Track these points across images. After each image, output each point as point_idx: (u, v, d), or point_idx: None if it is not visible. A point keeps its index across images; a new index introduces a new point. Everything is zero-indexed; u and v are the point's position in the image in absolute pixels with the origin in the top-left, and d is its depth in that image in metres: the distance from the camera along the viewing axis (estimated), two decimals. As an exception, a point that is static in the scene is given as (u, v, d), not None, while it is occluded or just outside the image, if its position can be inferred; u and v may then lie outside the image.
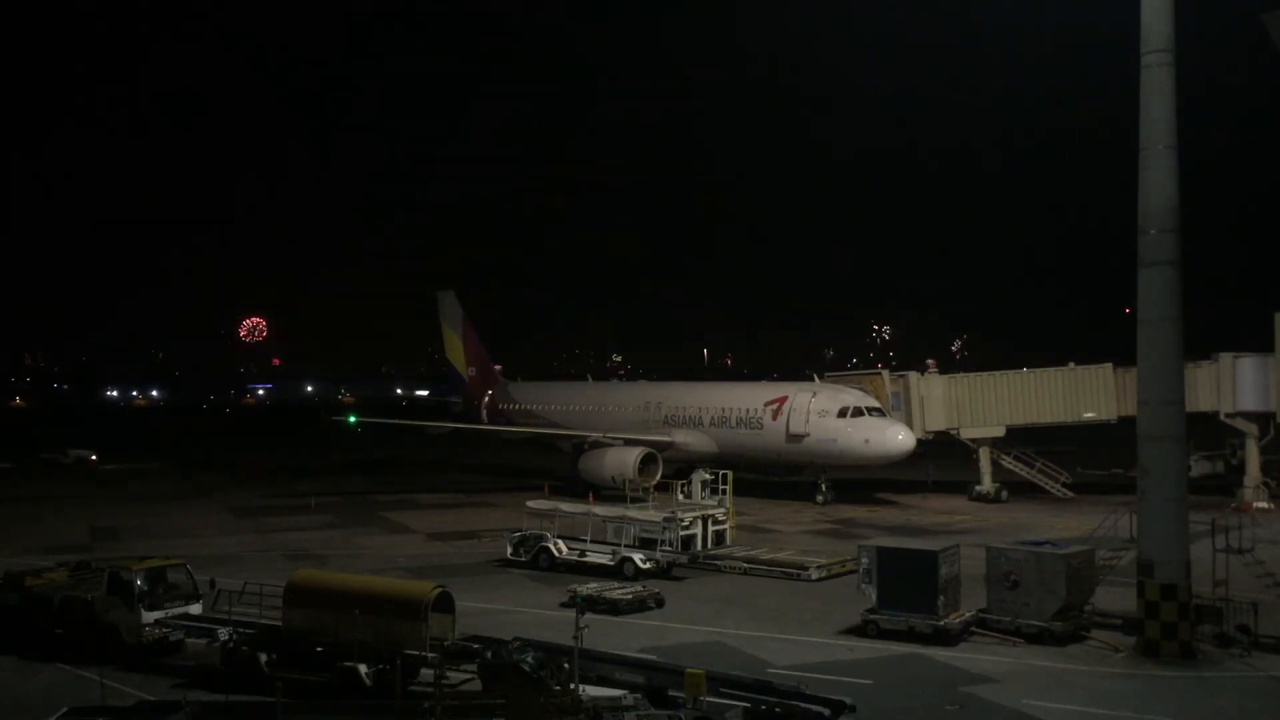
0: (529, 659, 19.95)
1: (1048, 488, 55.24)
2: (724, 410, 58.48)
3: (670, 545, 37.03)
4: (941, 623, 27.70)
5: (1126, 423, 47.69)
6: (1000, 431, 55.70)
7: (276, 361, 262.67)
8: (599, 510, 39.43)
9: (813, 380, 59.33)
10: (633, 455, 55.96)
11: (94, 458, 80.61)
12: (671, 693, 21.22)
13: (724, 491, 43.17)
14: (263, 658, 24.47)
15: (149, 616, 26.58)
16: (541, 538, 38.47)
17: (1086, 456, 63.22)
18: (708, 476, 44.42)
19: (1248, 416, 52.03)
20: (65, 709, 21.62)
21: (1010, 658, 26.59)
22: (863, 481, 58.78)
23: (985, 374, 57.00)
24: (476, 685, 21.75)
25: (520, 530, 39.55)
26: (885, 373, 58.23)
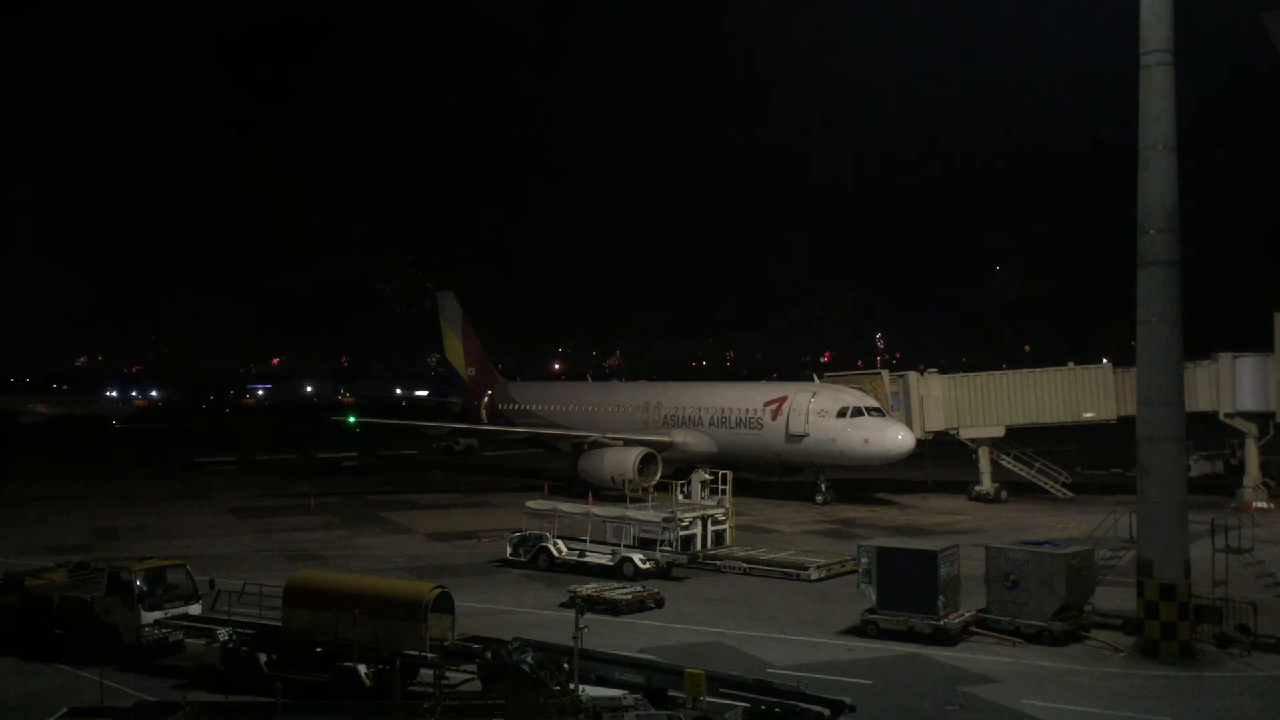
0: (529, 659, 19.93)
1: (1048, 488, 55.22)
2: (724, 410, 58.46)
3: (670, 545, 37.01)
4: (941, 623, 27.73)
5: (1126, 423, 47.68)
6: (1000, 431, 55.66)
7: (276, 361, 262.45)
8: (598, 510, 39.39)
9: (812, 380, 59.34)
10: (632, 455, 55.92)
11: (475, 444, 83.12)
12: (671, 693, 21.19)
13: (724, 491, 43.19)
14: (263, 658, 24.50)
15: (149, 617, 26.60)
16: (541, 538, 38.46)
17: (1086, 456, 63.26)
18: (707, 476, 44.46)
19: (1247, 416, 52.01)
20: (65, 709, 21.64)
21: (1010, 658, 26.61)
22: (863, 481, 58.79)
23: (984, 374, 56.98)
24: (476, 685, 21.77)
25: (520, 530, 39.55)
26: (885, 373, 58.18)
